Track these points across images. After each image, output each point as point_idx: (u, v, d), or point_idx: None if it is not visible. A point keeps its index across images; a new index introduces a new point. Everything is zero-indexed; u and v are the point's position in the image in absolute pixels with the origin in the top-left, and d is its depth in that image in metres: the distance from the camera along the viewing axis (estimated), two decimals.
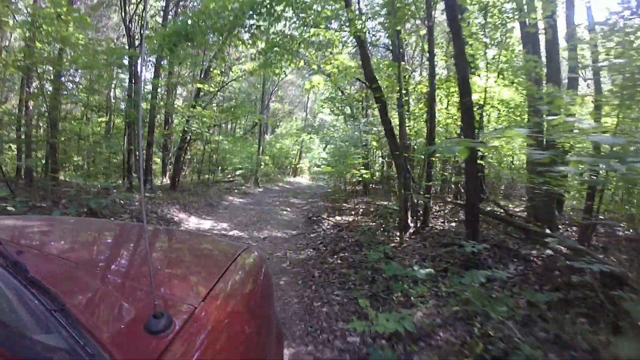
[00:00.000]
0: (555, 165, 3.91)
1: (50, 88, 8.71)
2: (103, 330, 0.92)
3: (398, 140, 6.36)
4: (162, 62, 11.02)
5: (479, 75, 6.73)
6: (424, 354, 2.54)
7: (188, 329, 0.95)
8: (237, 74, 15.63)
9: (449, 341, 2.65)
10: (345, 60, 8.98)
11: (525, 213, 6.83)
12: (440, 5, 9.01)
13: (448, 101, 7.64)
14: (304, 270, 4.58)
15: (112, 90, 14.15)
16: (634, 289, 3.11)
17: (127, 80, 10.65)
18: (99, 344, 0.84)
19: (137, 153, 10.56)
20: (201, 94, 13.13)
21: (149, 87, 11.23)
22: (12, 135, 10.52)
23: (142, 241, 1.74)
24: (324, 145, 15.42)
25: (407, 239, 5.43)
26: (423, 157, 8.05)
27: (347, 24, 5.80)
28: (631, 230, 5.82)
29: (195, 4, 13.12)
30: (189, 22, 5.45)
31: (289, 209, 10.18)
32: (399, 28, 6.14)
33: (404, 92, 6.50)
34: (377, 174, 12.90)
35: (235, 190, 14.06)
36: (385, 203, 8.82)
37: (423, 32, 7.47)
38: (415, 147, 8.60)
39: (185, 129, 12.15)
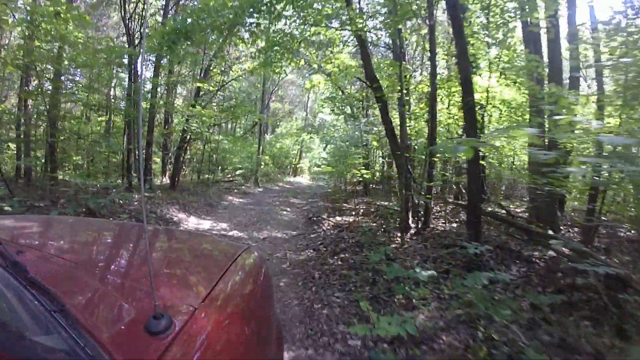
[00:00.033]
0: (558, 165, 3.88)
1: (50, 87, 8.68)
2: (103, 331, 0.91)
3: (399, 140, 6.32)
4: (161, 61, 10.96)
5: (480, 75, 6.68)
6: (427, 358, 2.49)
7: (188, 330, 0.94)
8: (237, 74, 15.57)
9: (452, 345, 2.60)
10: (345, 59, 8.93)
11: (527, 214, 6.79)
12: (442, 5, 9.02)
13: (449, 101, 7.58)
14: (304, 271, 4.53)
15: (112, 89, 14.11)
16: (638, 292, 3.08)
17: (127, 79, 10.61)
18: (99, 345, 0.83)
19: (137, 152, 10.52)
20: (201, 93, 13.08)
21: (149, 86, 11.18)
22: (11, 135, 10.51)
23: (142, 241, 1.74)
24: (324, 145, 15.38)
25: (408, 239, 5.38)
26: (424, 157, 8.01)
27: (348, 22, 5.75)
28: (633, 232, 5.80)
29: (195, 2, 13.07)
30: (188, 20, 5.40)
31: (289, 209, 10.14)
32: (400, 26, 6.09)
33: (405, 91, 6.44)
34: (377, 174, 12.85)
35: (235, 190, 14.01)
36: (386, 203, 8.77)
37: (424, 31, 7.41)
38: (416, 147, 8.55)
39: (185, 128, 12.09)
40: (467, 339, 2.65)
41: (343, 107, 13.03)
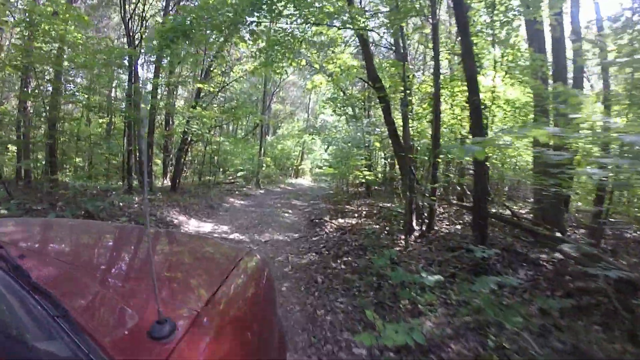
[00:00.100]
0: (564, 166, 3.80)
1: (50, 88, 8.63)
2: (106, 336, 0.91)
3: (402, 141, 6.23)
4: (162, 62, 10.90)
5: (484, 75, 6.60)
6: None
7: (191, 334, 0.94)
8: (238, 74, 15.51)
9: (460, 353, 2.50)
10: (347, 59, 8.85)
11: (531, 215, 6.71)
12: (443, 5, 8.94)
13: (453, 101, 7.48)
14: (307, 275, 4.42)
15: (113, 90, 14.06)
16: None
17: (127, 80, 10.55)
18: (102, 351, 0.83)
19: (137, 154, 10.46)
20: (202, 94, 13.01)
21: (149, 87, 11.13)
22: (11, 137, 10.45)
23: (144, 244, 1.75)
24: (326, 146, 15.33)
25: (412, 242, 5.28)
26: (427, 158, 7.92)
27: (350, 21, 5.66)
28: (639, 233, 5.72)
29: (196, 3, 13.02)
30: (188, 18, 5.31)
31: (290, 211, 10.04)
32: (403, 25, 6.00)
33: (407, 91, 6.35)
34: (379, 175, 12.77)
35: (237, 192, 13.94)
36: (389, 205, 8.67)
37: (427, 30, 7.32)
38: (419, 148, 8.47)
39: (186, 129, 12.02)
40: (476, 347, 2.54)
41: (345, 108, 12.95)
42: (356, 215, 8.20)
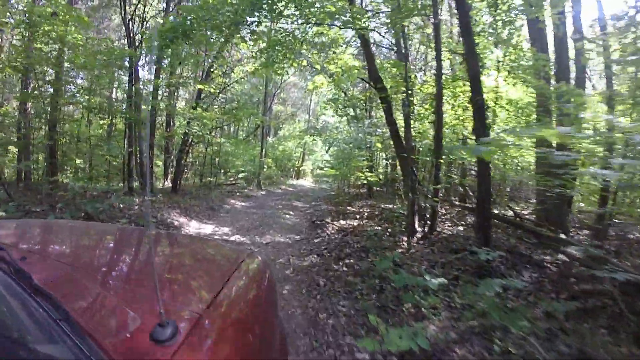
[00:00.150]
0: (567, 167, 3.76)
1: (51, 89, 8.60)
2: (108, 339, 0.90)
3: (403, 142, 6.18)
4: (162, 63, 10.88)
5: (487, 75, 6.55)
6: None
7: (193, 337, 0.94)
8: (239, 76, 15.49)
9: (466, 359, 2.45)
10: (349, 60, 8.80)
11: (534, 216, 6.66)
12: (444, 5, 8.89)
13: (455, 101, 7.44)
14: (308, 277, 4.37)
15: (114, 91, 14.03)
16: None
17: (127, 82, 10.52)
18: (104, 353, 0.83)
19: (138, 156, 10.43)
20: (203, 95, 12.98)
21: (150, 88, 11.10)
22: (12, 138, 10.43)
23: (146, 246, 1.76)
24: (327, 147, 15.28)
25: (414, 244, 5.22)
26: (428, 159, 7.87)
27: (351, 21, 5.61)
28: None
29: (197, 4, 13.01)
30: (188, 18, 5.27)
31: (292, 213, 9.99)
32: (405, 23, 5.96)
33: (409, 92, 6.30)
34: (381, 176, 12.73)
35: (238, 194, 13.90)
36: (391, 206, 8.62)
37: (429, 30, 7.29)
38: (420, 149, 8.41)
39: (187, 131, 11.99)
40: (481, 352, 2.49)
41: (346, 109, 12.92)
42: (358, 216, 8.14)
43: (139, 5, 10.53)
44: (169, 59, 10.19)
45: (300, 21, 5.87)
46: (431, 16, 5.73)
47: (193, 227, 7.52)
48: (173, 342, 0.87)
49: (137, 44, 10.25)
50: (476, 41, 6.01)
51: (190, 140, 12.83)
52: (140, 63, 12.28)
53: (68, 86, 9.45)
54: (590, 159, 3.38)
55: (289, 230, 7.50)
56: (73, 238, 1.99)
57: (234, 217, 9.03)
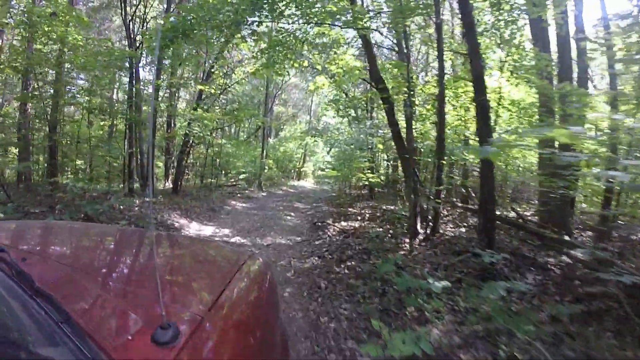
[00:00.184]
0: (570, 167, 3.72)
1: (51, 90, 8.58)
2: (110, 342, 0.90)
3: (405, 143, 6.14)
4: (163, 63, 10.84)
5: (489, 75, 6.51)
6: None
7: (195, 339, 0.93)
8: (240, 77, 15.46)
9: None
10: (350, 60, 8.76)
11: (537, 217, 6.61)
12: (445, 5, 8.85)
13: (457, 102, 7.40)
14: (309, 280, 4.32)
15: (115, 92, 14.01)
16: None
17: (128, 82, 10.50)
18: (106, 356, 0.83)
19: (139, 157, 10.40)
20: (203, 96, 12.95)
21: (150, 89, 11.08)
22: (13, 139, 10.41)
23: (148, 248, 1.75)
24: (329, 148, 15.25)
25: (417, 246, 5.17)
26: (430, 160, 7.82)
27: (353, 21, 5.56)
28: None
29: (196, 2, 12.98)
30: (186, 17, 5.23)
31: (293, 214, 9.95)
32: (408, 23, 5.91)
33: (411, 92, 6.26)
34: (382, 177, 12.69)
35: (239, 195, 13.85)
36: (392, 207, 8.57)
37: (430, 30, 7.24)
38: (422, 150, 8.37)
39: (187, 132, 11.96)
40: (486, 357, 2.44)
41: (347, 110, 12.88)
42: (359, 218, 8.09)
43: (139, 7, 10.51)
44: (170, 60, 10.16)
45: (301, 21, 5.83)
46: (433, 16, 5.70)
47: (193, 228, 7.48)
48: (174, 344, 0.87)
49: (137, 44, 10.23)
50: (478, 41, 5.98)
51: (191, 141, 12.79)
52: (140, 64, 12.27)
53: (69, 87, 9.45)
54: (593, 160, 3.34)
55: (290, 231, 7.45)
56: (74, 239, 1.99)
57: (234, 218, 8.98)
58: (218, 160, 15.92)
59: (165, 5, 12.17)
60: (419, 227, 5.67)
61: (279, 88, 22.80)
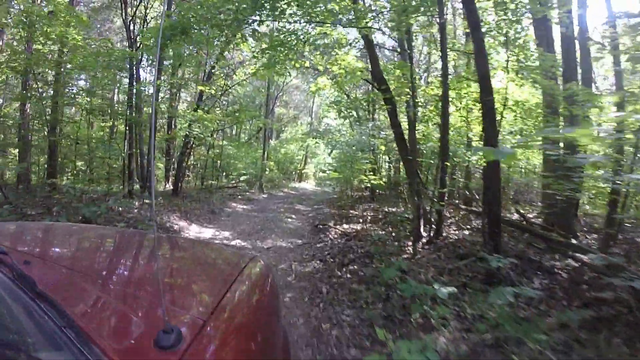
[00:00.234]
0: (575, 169, 3.63)
1: (51, 90, 8.53)
2: (113, 346, 0.89)
3: (408, 145, 6.05)
4: (163, 63, 10.78)
5: (493, 76, 6.42)
6: None
7: (197, 343, 0.93)
8: (240, 78, 15.40)
9: None
10: (352, 61, 8.68)
11: (541, 219, 6.53)
12: (447, 5, 8.77)
13: (460, 103, 7.30)
14: (311, 284, 4.22)
15: (116, 93, 13.95)
16: None
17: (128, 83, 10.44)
18: None
19: (139, 158, 10.33)
20: (204, 97, 12.89)
21: (151, 90, 11.02)
22: (13, 140, 10.37)
23: (150, 251, 1.76)
24: (330, 150, 15.17)
25: (420, 249, 5.08)
26: (433, 161, 7.73)
27: (355, 20, 5.48)
28: None
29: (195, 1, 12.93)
30: (187, 16, 5.15)
31: (294, 216, 9.86)
32: (412, 22, 5.83)
33: (414, 93, 6.17)
34: (384, 179, 12.59)
35: (239, 197, 13.77)
36: (394, 210, 8.48)
37: (433, 30, 7.16)
38: (424, 151, 8.28)
39: (188, 133, 11.88)
40: None
41: (349, 111, 12.79)
42: (361, 220, 8.00)
43: (139, 7, 10.47)
44: (171, 60, 10.10)
45: (302, 21, 5.75)
46: (436, 16, 5.62)
47: (193, 231, 7.40)
48: (177, 348, 0.86)
49: (138, 45, 10.18)
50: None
51: (191, 143, 12.73)
52: (142, 65, 12.21)
53: (68, 87, 9.38)
54: (607, 162, 3.25)
55: (291, 234, 7.36)
56: (75, 241, 1.99)
57: (235, 220, 8.90)
58: (219, 161, 15.84)
59: (165, 6, 12.12)
60: (422, 230, 5.58)
61: (280, 89, 22.77)
